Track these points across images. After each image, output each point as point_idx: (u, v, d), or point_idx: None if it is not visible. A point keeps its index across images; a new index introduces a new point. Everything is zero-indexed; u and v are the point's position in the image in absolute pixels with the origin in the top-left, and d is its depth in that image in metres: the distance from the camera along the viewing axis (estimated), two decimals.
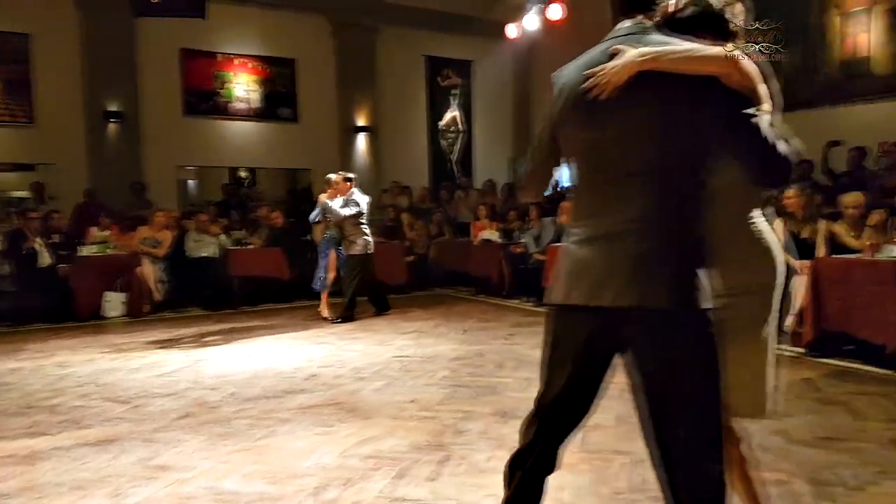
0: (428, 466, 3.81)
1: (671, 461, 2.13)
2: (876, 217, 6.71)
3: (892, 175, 8.67)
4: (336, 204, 9.00)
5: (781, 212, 7.45)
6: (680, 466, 2.13)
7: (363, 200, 9.21)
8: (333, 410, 5.01)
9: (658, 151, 2.13)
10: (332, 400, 5.30)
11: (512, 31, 13.91)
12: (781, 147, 2.12)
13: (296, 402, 5.28)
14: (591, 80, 2.18)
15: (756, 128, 2.09)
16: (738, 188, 2.38)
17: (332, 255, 9.42)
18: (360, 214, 9.09)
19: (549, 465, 2.42)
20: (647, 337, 2.12)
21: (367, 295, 9.68)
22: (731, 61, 2.09)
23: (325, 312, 9.38)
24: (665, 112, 2.13)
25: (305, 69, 15.19)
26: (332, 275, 9.47)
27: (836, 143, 9.95)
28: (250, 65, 14.75)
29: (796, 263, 6.80)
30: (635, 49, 2.14)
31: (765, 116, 2.14)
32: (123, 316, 9.94)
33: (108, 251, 10.17)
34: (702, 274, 2.10)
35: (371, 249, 9.30)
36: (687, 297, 2.07)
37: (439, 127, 16.90)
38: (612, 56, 2.17)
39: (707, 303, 2.09)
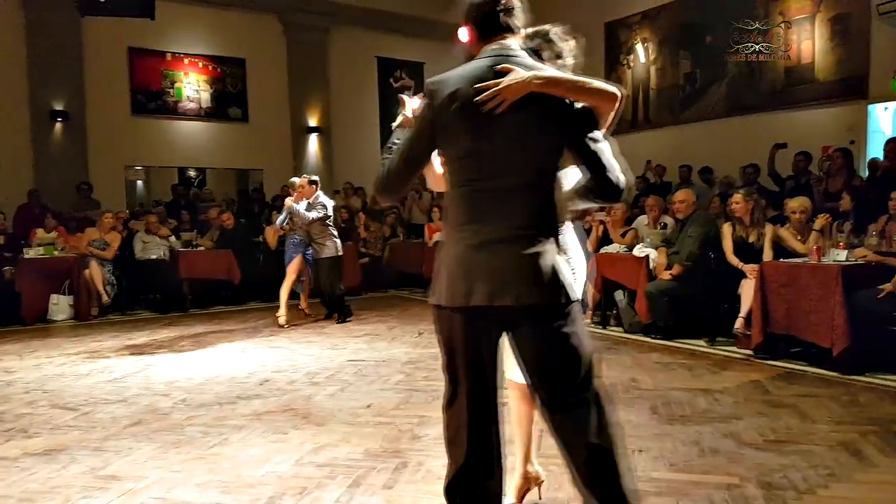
0: (384, 474, 3.80)
1: (571, 434, 2.44)
2: (821, 221, 6.85)
3: (836, 180, 8.86)
4: (302, 207, 8.87)
5: (729, 216, 7.59)
6: (577, 434, 2.43)
7: (329, 203, 9.12)
8: (288, 417, 4.96)
9: (537, 165, 2.40)
10: (286, 406, 5.25)
11: (464, 34, 13.90)
12: (619, 171, 2.41)
13: (249, 408, 5.22)
14: (486, 93, 2.33)
15: (603, 151, 2.39)
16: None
17: (299, 258, 9.21)
18: (327, 217, 8.98)
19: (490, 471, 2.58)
20: (541, 327, 2.41)
21: (325, 298, 9.63)
22: (613, 97, 2.41)
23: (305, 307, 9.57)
24: (544, 130, 2.38)
25: (256, 69, 15.12)
26: (291, 278, 9.21)
27: (782, 146, 10.14)
28: (200, 64, 14.64)
29: (745, 267, 6.93)
30: (525, 70, 2.35)
31: (607, 143, 2.44)
32: (71, 319, 9.77)
33: (56, 253, 9.95)
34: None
35: (340, 251, 9.24)
36: (571, 291, 2.42)
37: (392, 128, 16.84)
38: (500, 73, 2.35)
39: (579, 293, 2.51)
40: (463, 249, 2.42)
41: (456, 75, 2.45)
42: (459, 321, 2.45)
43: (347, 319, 9.34)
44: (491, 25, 2.52)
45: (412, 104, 2.77)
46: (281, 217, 9.39)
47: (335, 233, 9.21)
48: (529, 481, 3.35)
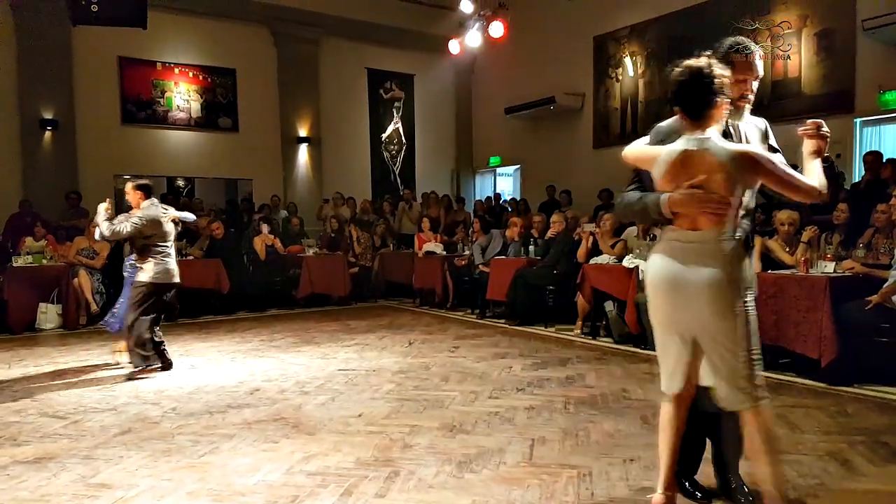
0: (376, 483, 3.80)
1: None
2: (808, 233, 6.90)
3: None
4: (119, 218, 6.89)
5: None
6: None
7: (160, 217, 6.84)
8: (278, 426, 4.96)
9: None
10: (276, 415, 5.25)
11: (454, 46, 14.00)
12: None
13: (240, 416, 5.21)
14: None
15: None
16: None
17: None
18: (140, 234, 6.75)
19: None
20: None
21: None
22: None
23: (121, 349, 7.20)
24: None
25: (246, 79, 15.14)
26: None
27: None
28: (190, 74, 14.64)
29: None
30: None
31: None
32: (59, 328, 9.73)
33: (44, 262, 9.91)
34: None
35: (164, 280, 6.80)
36: None
37: (382, 139, 16.97)
38: None
39: None
40: None
41: None
42: None
43: (147, 368, 6.73)
44: None
45: None
46: (98, 230, 7.09)
47: (166, 257, 6.85)
48: None
